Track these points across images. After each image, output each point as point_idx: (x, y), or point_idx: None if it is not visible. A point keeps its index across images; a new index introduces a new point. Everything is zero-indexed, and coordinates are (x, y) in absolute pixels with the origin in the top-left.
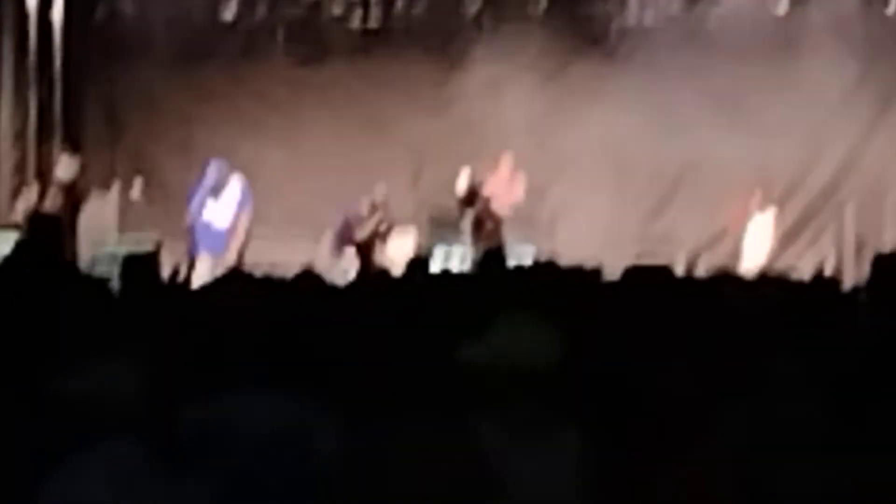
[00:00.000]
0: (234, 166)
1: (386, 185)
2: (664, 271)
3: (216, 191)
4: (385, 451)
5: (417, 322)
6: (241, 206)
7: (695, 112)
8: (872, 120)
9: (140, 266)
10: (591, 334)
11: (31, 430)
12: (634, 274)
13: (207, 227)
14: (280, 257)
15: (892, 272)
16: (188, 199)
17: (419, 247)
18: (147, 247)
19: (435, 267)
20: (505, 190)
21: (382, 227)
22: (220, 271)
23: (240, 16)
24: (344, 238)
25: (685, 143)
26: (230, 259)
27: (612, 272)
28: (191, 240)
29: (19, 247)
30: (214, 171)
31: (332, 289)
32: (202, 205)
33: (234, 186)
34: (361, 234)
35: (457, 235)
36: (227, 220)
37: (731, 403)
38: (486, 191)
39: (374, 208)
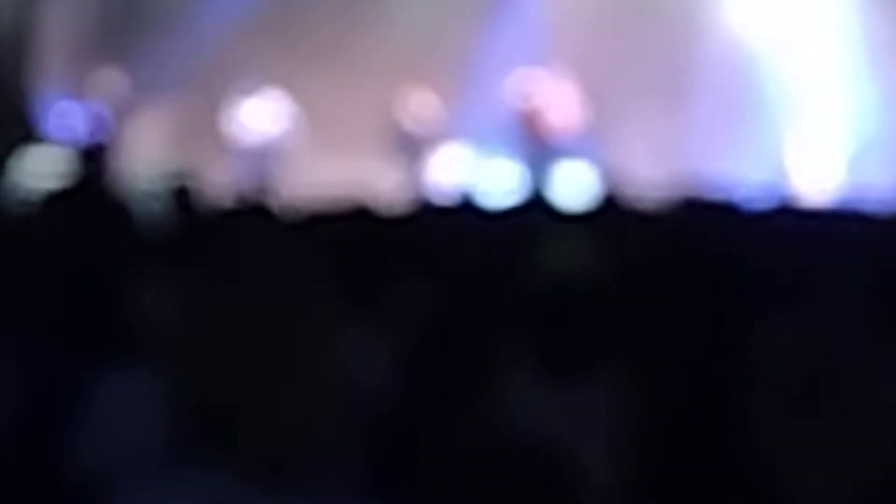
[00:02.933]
0: (278, 81)
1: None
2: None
3: (255, 108)
4: None
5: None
6: (282, 123)
7: None
8: None
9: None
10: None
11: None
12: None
13: (248, 145)
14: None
15: None
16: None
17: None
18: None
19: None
20: (557, 101)
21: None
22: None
23: None
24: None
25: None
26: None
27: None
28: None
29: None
30: (249, 86)
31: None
32: (240, 123)
33: (275, 103)
34: (396, 120)
35: (507, 149)
36: (268, 139)
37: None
38: (539, 102)
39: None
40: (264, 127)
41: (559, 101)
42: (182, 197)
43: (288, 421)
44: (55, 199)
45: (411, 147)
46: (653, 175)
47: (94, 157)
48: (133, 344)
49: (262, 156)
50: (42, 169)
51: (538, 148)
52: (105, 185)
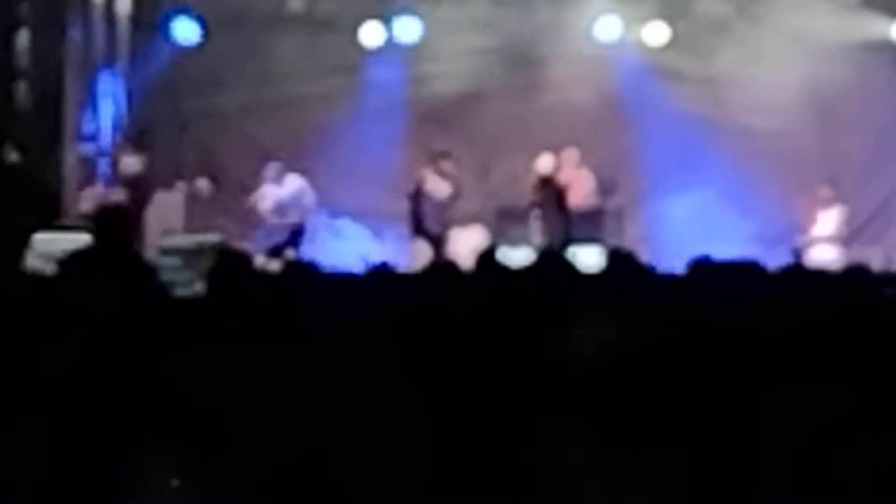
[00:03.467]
0: (297, 162)
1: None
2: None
3: (277, 187)
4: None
5: (486, 315)
6: (301, 202)
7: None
8: None
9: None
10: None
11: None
12: (706, 271)
13: (271, 222)
14: (348, 250)
15: None
16: (251, 196)
17: (488, 240)
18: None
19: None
20: (576, 182)
21: (443, 182)
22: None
23: (307, 11)
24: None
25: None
26: (296, 253)
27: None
28: (257, 234)
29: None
30: (271, 171)
31: (404, 279)
32: (264, 201)
33: (294, 183)
34: (422, 188)
35: (525, 230)
36: (290, 216)
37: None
38: (561, 178)
39: (434, 160)
40: (288, 205)
41: (577, 180)
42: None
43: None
44: (77, 261)
45: (433, 220)
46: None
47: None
48: (169, 418)
49: (286, 232)
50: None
51: (558, 219)
52: (130, 249)
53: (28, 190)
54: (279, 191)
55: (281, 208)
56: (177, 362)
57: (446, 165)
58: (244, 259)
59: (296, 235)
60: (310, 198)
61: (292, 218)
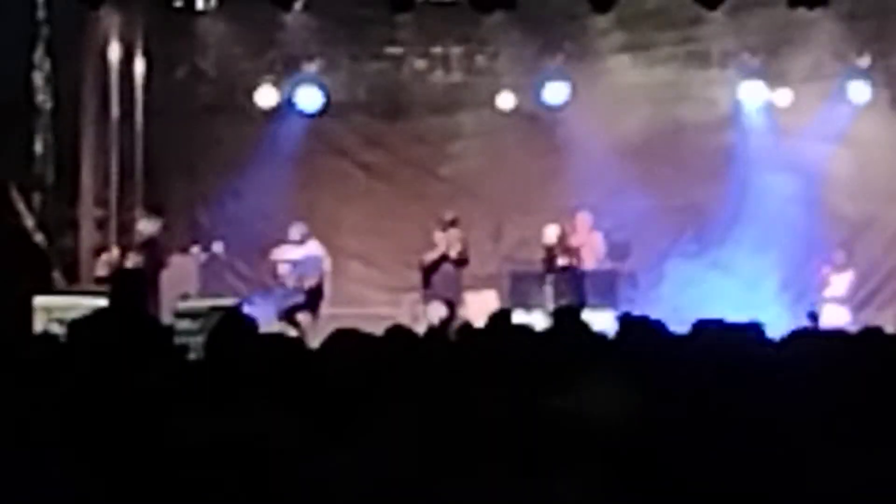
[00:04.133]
0: (314, 224)
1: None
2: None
3: (297, 251)
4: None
5: (498, 375)
6: (320, 266)
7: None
8: None
9: (231, 321)
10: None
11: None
12: (714, 335)
13: (288, 284)
14: (361, 314)
15: None
16: (270, 259)
17: (501, 303)
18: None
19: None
20: (584, 243)
21: (454, 251)
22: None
23: (321, 72)
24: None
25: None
26: (313, 316)
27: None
28: (274, 296)
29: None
30: (296, 232)
31: (418, 340)
32: (285, 265)
33: (314, 246)
34: (431, 255)
35: (539, 291)
36: (307, 280)
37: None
38: (573, 243)
39: (443, 227)
40: (307, 268)
41: (590, 244)
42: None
43: None
44: (91, 324)
45: (446, 285)
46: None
47: (133, 290)
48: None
49: (302, 295)
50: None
51: (571, 283)
52: (145, 312)
53: (42, 254)
54: (300, 250)
55: (300, 269)
56: (186, 424)
57: (455, 231)
58: (247, 323)
59: (313, 298)
60: (328, 263)
61: (309, 282)
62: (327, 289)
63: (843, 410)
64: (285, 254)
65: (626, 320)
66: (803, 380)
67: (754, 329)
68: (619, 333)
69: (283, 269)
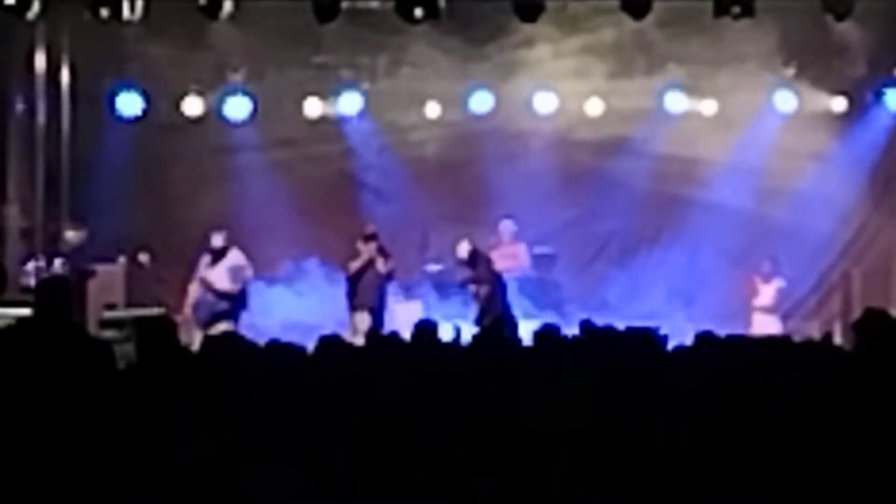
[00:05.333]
0: (239, 232)
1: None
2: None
3: (217, 260)
4: None
5: (423, 387)
6: (240, 274)
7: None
8: (879, 195)
9: (154, 328)
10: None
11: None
12: (636, 342)
13: (208, 294)
14: (288, 322)
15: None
16: (191, 269)
17: (426, 313)
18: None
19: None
20: (507, 254)
21: (379, 260)
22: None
23: (247, 81)
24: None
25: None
26: (236, 325)
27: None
28: (194, 306)
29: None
30: (218, 240)
31: (348, 350)
32: (203, 273)
33: (235, 257)
34: (355, 265)
35: (462, 303)
36: (227, 287)
37: (741, 460)
38: (491, 255)
39: (365, 240)
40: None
41: (513, 253)
42: (156, 335)
43: None
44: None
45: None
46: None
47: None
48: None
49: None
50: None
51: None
52: (71, 322)
53: None
54: (223, 260)
55: (225, 277)
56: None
57: (374, 245)
58: (166, 332)
59: (235, 306)
60: (249, 272)
61: (232, 288)
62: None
63: (734, 413)
64: (208, 275)
65: (543, 331)
66: (694, 384)
67: (651, 335)
68: (536, 343)
69: (209, 275)
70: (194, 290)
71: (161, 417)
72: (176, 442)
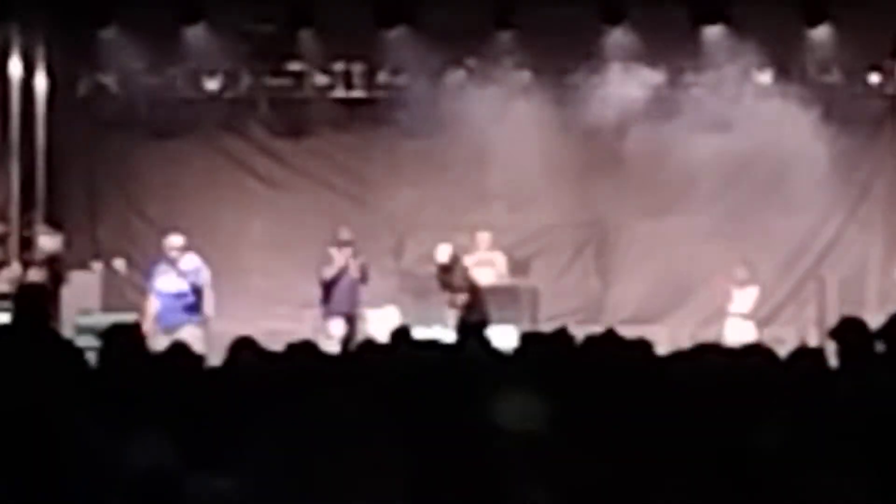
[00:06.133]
0: (214, 238)
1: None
2: (643, 344)
3: (168, 268)
4: None
5: (401, 393)
6: (196, 276)
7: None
8: (854, 202)
9: (123, 335)
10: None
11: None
12: (616, 346)
13: (166, 300)
14: (262, 328)
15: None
16: (145, 275)
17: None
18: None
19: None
20: (485, 262)
21: (353, 264)
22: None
23: (223, 88)
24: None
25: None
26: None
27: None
28: (156, 318)
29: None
30: (174, 242)
31: (322, 357)
32: (156, 282)
33: (190, 261)
34: (330, 271)
35: (438, 309)
36: (177, 298)
37: (716, 473)
38: (467, 262)
39: (340, 245)
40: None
41: (490, 261)
42: (123, 341)
43: None
44: None
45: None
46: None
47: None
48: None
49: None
50: None
51: (469, 299)
52: (48, 328)
53: None
54: (180, 266)
55: (181, 280)
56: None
57: (349, 251)
58: (132, 339)
59: (196, 307)
60: (205, 273)
61: (190, 293)
62: (210, 301)
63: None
64: (161, 283)
65: (525, 336)
66: (687, 393)
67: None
68: (520, 349)
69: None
70: (153, 303)
71: (115, 422)
72: (125, 446)
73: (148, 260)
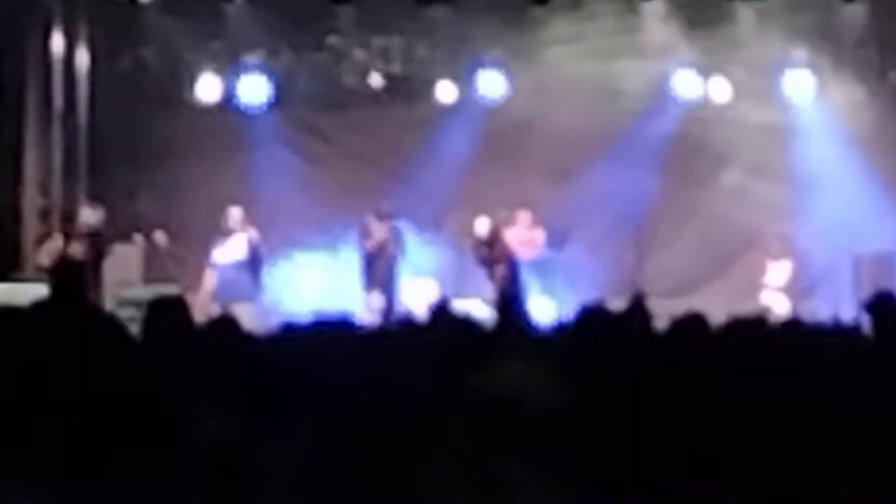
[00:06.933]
0: (253, 214)
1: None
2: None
3: (226, 239)
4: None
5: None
6: (255, 254)
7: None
8: (891, 176)
9: (166, 309)
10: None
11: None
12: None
13: (224, 273)
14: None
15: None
16: (207, 248)
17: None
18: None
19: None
20: (524, 240)
21: (391, 239)
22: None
23: (263, 62)
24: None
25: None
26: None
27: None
28: (210, 285)
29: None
30: (230, 219)
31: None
32: (218, 251)
33: (250, 235)
34: (370, 244)
35: (477, 282)
36: (241, 267)
37: (752, 448)
38: (506, 236)
39: (381, 218)
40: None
41: (529, 239)
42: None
43: None
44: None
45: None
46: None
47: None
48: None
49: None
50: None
51: (507, 271)
52: (87, 302)
53: None
54: (238, 238)
55: (240, 251)
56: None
57: (388, 224)
58: (178, 311)
59: (253, 283)
60: (264, 248)
61: (249, 266)
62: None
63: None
64: (220, 256)
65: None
66: (737, 367)
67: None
68: (562, 324)
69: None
70: (209, 275)
71: (172, 397)
72: (189, 421)
73: (205, 231)
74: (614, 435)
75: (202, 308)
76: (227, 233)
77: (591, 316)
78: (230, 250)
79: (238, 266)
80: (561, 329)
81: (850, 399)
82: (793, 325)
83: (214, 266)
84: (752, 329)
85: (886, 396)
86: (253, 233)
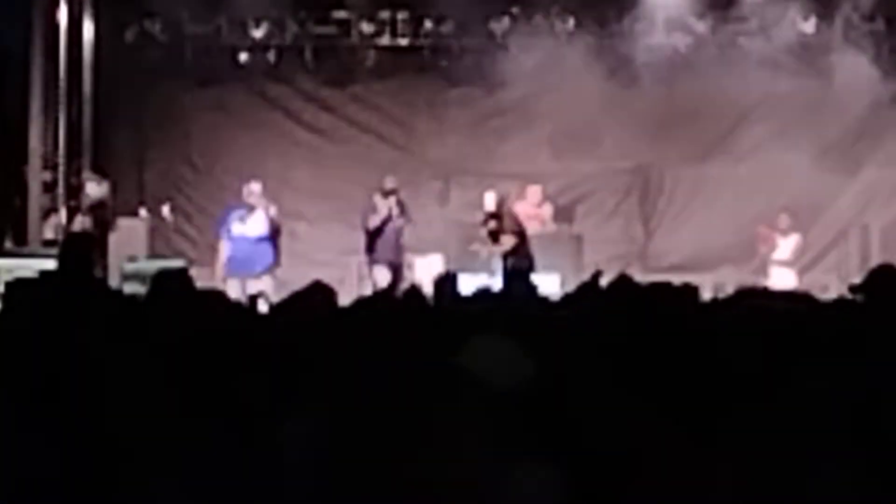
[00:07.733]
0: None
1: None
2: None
3: (246, 214)
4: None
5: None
6: (271, 230)
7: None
8: None
9: (172, 281)
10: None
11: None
12: (665, 292)
13: (242, 246)
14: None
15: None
16: (219, 221)
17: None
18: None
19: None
20: (532, 215)
21: (397, 213)
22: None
23: (269, 36)
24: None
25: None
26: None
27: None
28: (220, 258)
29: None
30: (248, 194)
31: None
32: (232, 227)
33: (264, 213)
34: (375, 219)
35: (483, 257)
36: (256, 243)
37: (750, 421)
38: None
39: (385, 195)
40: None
41: (538, 214)
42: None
43: None
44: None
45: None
46: None
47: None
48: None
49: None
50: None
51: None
52: (93, 275)
53: None
54: (258, 212)
55: (259, 226)
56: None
57: (393, 199)
58: (182, 283)
59: (267, 256)
60: (281, 222)
61: (268, 238)
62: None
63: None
64: (238, 228)
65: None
66: (734, 340)
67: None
68: (570, 295)
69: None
70: (224, 248)
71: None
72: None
73: (210, 204)
74: (585, 411)
75: (219, 280)
76: (248, 207)
77: (584, 289)
78: (251, 224)
79: (257, 240)
80: (565, 303)
81: (844, 372)
82: (792, 297)
83: (233, 239)
84: (742, 301)
85: (881, 369)
86: (272, 208)
